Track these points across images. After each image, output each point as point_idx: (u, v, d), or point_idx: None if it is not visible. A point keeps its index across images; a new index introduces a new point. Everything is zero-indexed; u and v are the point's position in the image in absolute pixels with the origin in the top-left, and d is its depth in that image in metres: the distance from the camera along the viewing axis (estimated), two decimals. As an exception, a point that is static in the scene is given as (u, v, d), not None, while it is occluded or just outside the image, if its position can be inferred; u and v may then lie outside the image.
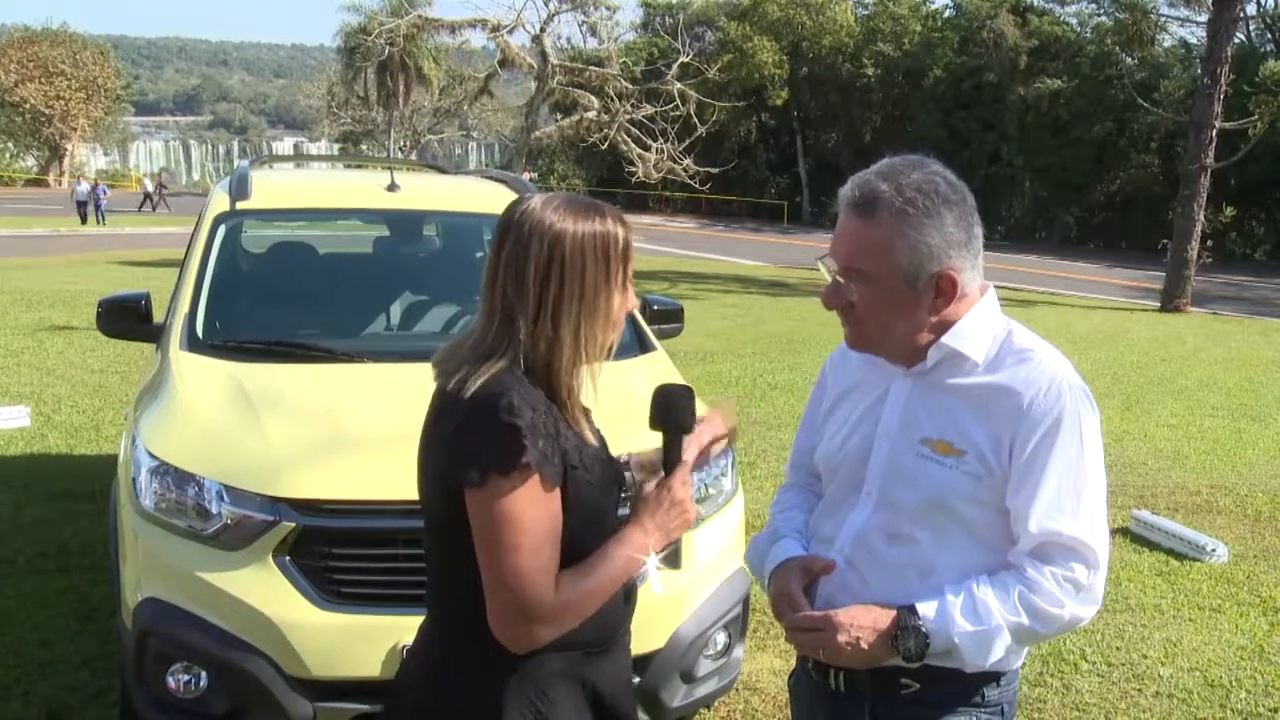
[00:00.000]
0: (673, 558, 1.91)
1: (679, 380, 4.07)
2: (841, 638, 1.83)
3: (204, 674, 3.11)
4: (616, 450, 1.94)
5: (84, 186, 38.12)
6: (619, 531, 1.80)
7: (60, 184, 45.28)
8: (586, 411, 1.87)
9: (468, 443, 1.68)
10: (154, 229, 31.62)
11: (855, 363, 2.04)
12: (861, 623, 1.83)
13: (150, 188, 49.53)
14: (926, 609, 1.81)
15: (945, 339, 1.87)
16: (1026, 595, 1.80)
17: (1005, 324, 1.91)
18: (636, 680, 3.10)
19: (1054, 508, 1.80)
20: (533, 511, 1.67)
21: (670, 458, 1.89)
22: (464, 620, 1.74)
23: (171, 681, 3.12)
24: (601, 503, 1.81)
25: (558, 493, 1.71)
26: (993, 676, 1.90)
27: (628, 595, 1.90)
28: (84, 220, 35.75)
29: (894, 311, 1.85)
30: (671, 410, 1.90)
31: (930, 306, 1.86)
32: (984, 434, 1.83)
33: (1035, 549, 1.82)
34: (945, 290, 1.84)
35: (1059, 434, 1.80)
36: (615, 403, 1.99)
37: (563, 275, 1.72)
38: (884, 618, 1.83)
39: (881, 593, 1.87)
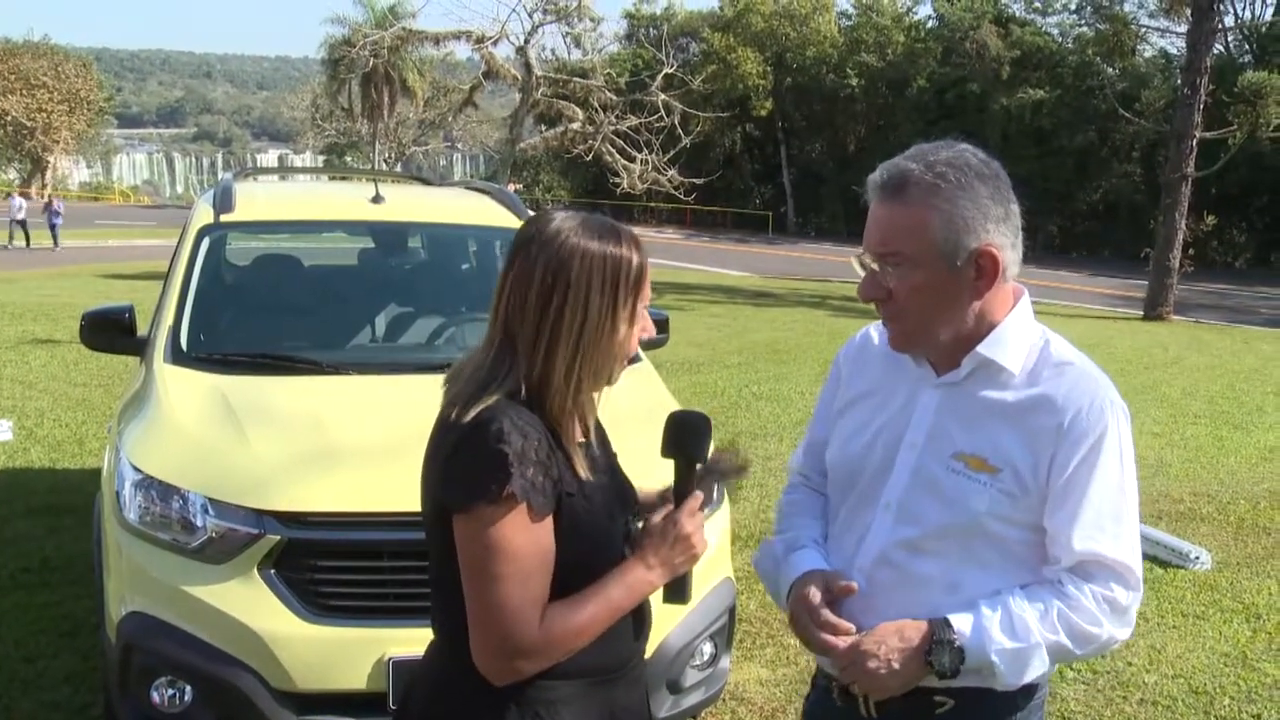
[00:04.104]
0: (679, 592, 1.79)
1: (664, 393, 4.10)
2: (872, 665, 1.75)
3: (188, 688, 3.10)
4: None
5: (18, 202, 30.97)
6: (622, 564, 1.72)
7: (42, 196, 43.95)
8: (601, 433, 1.80)
9: (456, 469, 1.64)
10: (139, 241, 31.41)
11: (876, 363, 1.94)
12: (890, 643, 1.75)
13: None
14: (961, 623, 1.74)
15: (981, 348, 1.78)
16: (1065, 614, 1.74)
17: (1041, 333, 1.84)
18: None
19: (1095, 529, 1.73)
20: (519, 541, 1.61)
21: (681, 489, 1.79)
22: (465, 642, 1.70)
23: (156, 695, 3.11)
24: (604, 530, 1.74)
25: (549, 523, 1.65)
26: (1029, 690, 1.82)
27: (639, 627, 1.81)
28: (27, 241, 29.58)
29: (935, 297, 1.75)
30: (686, 439, 1.81)
31: (972, 289, 1.76)
32: (1021, 452, 1.75)
33: (1075, 567, 1.76)
34: (986, 269, 1.74)
35: (1101, 454, 1.74)
36: (600, 416, 1.97)
37: (565, 298, 1.66)
38: (914, 634, 1.75)
39: (907, 610, 1.79)
